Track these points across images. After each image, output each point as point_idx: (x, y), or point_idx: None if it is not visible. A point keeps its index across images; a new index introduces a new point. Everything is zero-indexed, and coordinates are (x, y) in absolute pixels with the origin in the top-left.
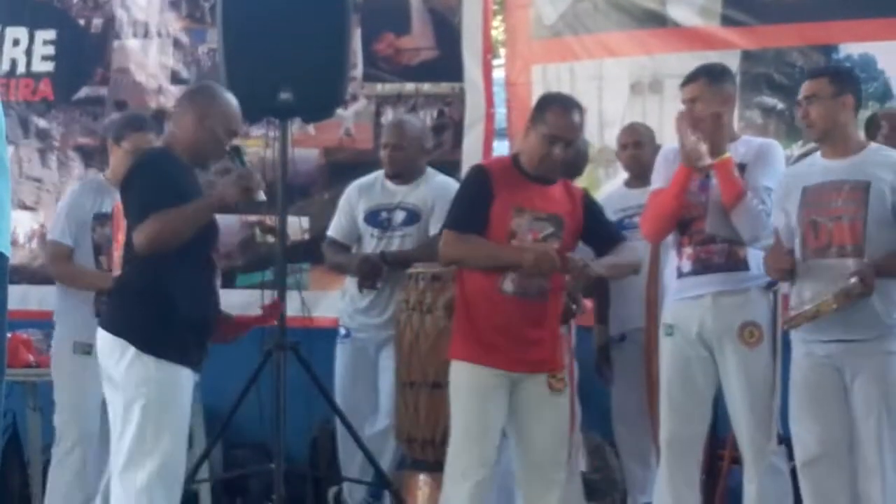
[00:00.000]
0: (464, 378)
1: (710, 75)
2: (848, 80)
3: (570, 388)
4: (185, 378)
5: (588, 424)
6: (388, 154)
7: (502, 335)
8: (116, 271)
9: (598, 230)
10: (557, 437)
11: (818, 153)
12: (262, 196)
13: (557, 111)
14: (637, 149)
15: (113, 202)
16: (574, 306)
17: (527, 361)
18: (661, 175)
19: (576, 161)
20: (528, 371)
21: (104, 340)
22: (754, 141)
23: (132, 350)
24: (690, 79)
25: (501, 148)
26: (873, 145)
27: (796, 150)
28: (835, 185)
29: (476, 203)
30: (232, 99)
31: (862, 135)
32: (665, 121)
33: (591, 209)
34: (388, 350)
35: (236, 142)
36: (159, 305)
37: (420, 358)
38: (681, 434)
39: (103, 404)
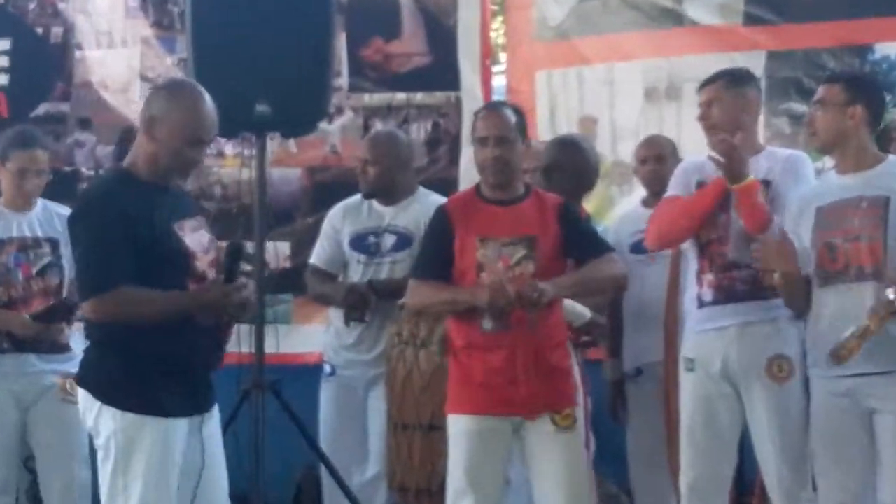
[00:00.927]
0: (460, 431)
1: (731, 78)
2: (863, 88)
3: (585, 423)
4: (157, 429)
5: (602, 470)
6: (360, 171)
7: (492, 377)
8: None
9: (576, 241)
10: (573, 475)
11: (831, 172)
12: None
13: (481, 114)
14: (658, 164)
15: (8, 227)
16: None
17: (524, 403)
18: (680, 184)
19: (584, 174)
20: (527, 413)
21: (80, 394)
22: (780, 153)
23: (97, 404)
24: (708, 81)
25: None
26: (892, 157)
27: (829, 161)
28: (850, 202)
29: (436, 245)
30: (197, 97)
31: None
32: (684, 130)
33: (566, 219)
34: (378, 389)
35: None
36: (120, 354)
37: (414, 397)
38: (704, 478)
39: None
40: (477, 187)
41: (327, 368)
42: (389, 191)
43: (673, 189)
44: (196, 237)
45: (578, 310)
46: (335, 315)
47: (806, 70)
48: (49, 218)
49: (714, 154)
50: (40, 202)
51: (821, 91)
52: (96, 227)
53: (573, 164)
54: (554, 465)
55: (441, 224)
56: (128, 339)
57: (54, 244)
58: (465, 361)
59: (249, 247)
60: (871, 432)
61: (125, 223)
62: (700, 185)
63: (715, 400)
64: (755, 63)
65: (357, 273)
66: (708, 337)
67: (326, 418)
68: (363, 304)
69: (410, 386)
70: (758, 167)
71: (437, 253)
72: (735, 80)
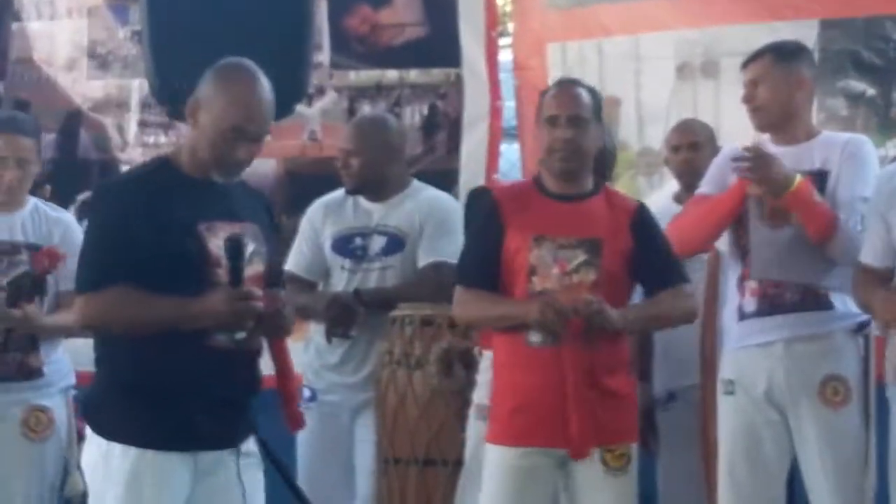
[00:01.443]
0: (496, 463)
1: (780, 53)
2: None
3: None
4: (129, 461)
5: None
6: (342, 163)
7: (539, 401)
8: None
9: (649, 262)
10: None
11: None
12: (242, 334)
13: (553, 91)
14: (693, 152)
15: None
16: None
17: (572, 435)
18: (714, 179)
19: (597, 163)
20: (575, 447)
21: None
22: (837, 138)
23: (88, 430)
24: (754, 56)
25: (511, 152)
26: None
27: (892, 148)
28: None
29: (483, 243)
30: (248, 83)
31: None
32: (723, 113)
33: (641, 230)
34: (366, 417)
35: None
36: (106, 376)
37: (408, 427)
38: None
39: None
40: (535, 178)
41: (307, 393)
42: (377, 185)
43: (707, 184)
44: None
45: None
46: (316, 331)
47: (866, 42)
48: (37, 222)
49: (742, 166)
50: (32, 202)
51: None
52: (102, 218)
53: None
54: None
55: (490, 218)
56: (120, 358)
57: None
58: (507, 380)
59: None
60: None
61: (137, 217)
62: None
63: (759, 428)
64: (806, 34)
65: (341, 281)
66: (750, 354)
67: (306, 451)
68: (348, 317)
69: (404, 413)
70: (811, 156)
71: (484, 253)
72: (785, 54)
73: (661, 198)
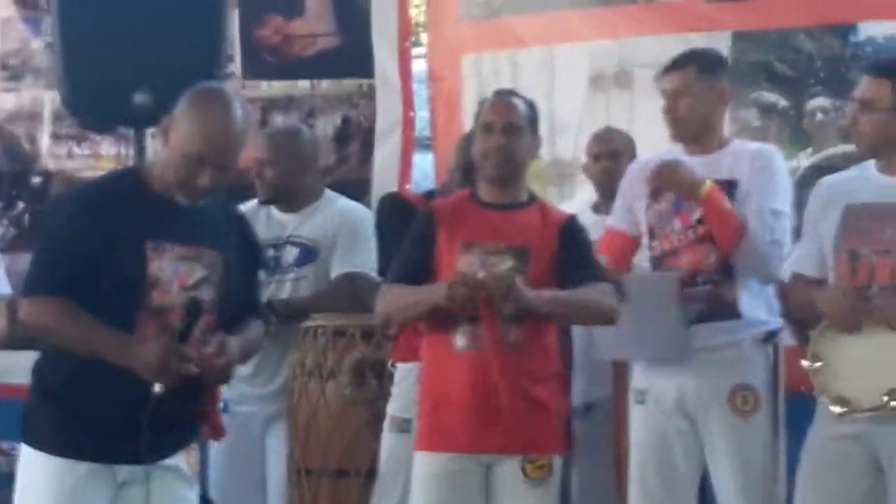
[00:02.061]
0: (424, 470)
1: (703, 65)
2: None
3: None
4: (48, 469)
5: None
6: (256, 173)
7: (463, 406)
8: None
9: (573, 261)
10: None
11: (871, 163)
12: (160, 387)
13: (491, 100)
14: (612, 160)
15: None
16: None
17: (495, 439)
18: (628, 193)
19: None
20: (498, 451)
21: None
22: (746, 147)
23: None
24: (676, 65)
25: (424, 162)
26: None
27: (804, 159)
28: (888, 209)
29: (414, 248)
30: (218, 109)
31: None
32: (636, 124)
33: (570, 237)
34: (278, 428)
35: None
36: (36, 385)
37: (320, 438)
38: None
39: None
40: (471, 190)
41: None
42: (291, 196)
43: (621, 197)
44: (175, 267)
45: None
46: None
47: (779, 53)
48: None
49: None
50: None
51: (864, 88)
52: (55, 224)
53: None
54: None
55: (424, 225)
56: (48, 368)
57: None
58: (433, 386)
59: None
60: (881, 482)
61: (86, 226)
62: (654, 193)
63: (670, 437)
64: (719, 45)
65: None
66: (661, 364)
67: (216, 463)
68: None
69: (316, 424)
70: (721, 165)
71: (414, 256)
72: (707, 66)
73: (577, 208)
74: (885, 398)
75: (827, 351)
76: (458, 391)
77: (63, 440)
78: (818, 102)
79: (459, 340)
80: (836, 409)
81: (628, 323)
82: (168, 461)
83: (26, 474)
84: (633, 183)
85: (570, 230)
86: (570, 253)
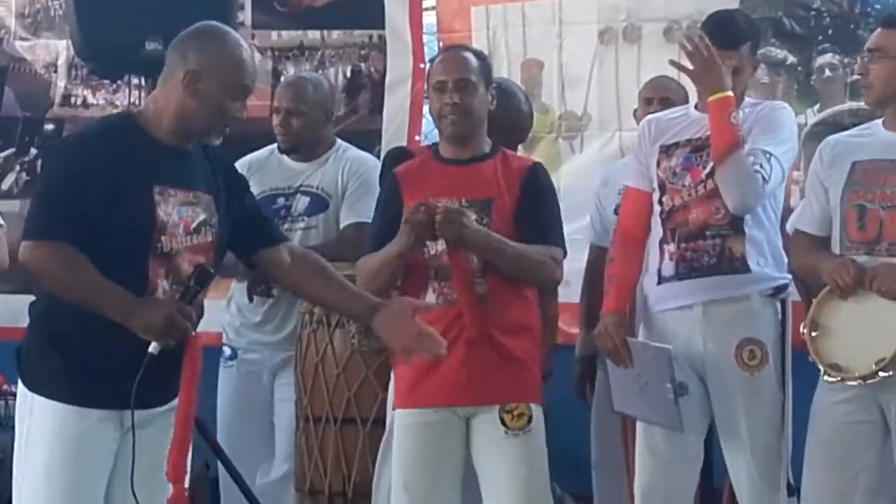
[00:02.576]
0: (404, 425)
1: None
2: None
3: None
4: (50, 414)
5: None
6: (281, 122)
7: (437, 362)
8: None
9: (528, 217)
10: (523, 489)
11: (878, 121)
12: (153, 347)
13: (440, 57)
14: (664, 107)
15: None
16: None
17: (471, 390)
18: (641, 151)
19: (514, 126)
20: (474, 403)
21: None
22: (759, 104)
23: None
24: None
25: None
26: None
27: (811, 116)
28: (895, 164)
29: (385, 216)
30: (236, 43)
31: None
32: (644, 79)
33: (530, 188)
34: (286, 375)
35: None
36: (36, 329)
37: (326, 386)
38: (662, 483)
39: None
40: (434, 148)
41: (227, 351)
42: (312, 145)
43: (635, 156)
44: (181, 211)
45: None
46: (237, 289)
47: (787, 9)
48: None
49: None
50: None
51: (876, 38)
52: (58, 168)
53: (499, 115)
54: (502, 476)
55: (390, 192)
56: (49, 312)
57: None
58: None
59: None
60: (889, 438)
61: (92, 171)
62: (665, 149)
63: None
64: (729, 1)
65: None
66: (668, 318)
67: (225, 409)
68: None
69: (322, 373)
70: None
71: (385, 226)
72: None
73: (582, 160)
74: (874, 367)
75: (826, 319)
76: None
77: (71, 387)
78: (826, 59)
79: (430, 298)
80: (829, 378)
81: (632, 383)
82: (167, 406)
83: (32, 420)
84: (645, 140)
85: (532, 180)
86: (528, 206)
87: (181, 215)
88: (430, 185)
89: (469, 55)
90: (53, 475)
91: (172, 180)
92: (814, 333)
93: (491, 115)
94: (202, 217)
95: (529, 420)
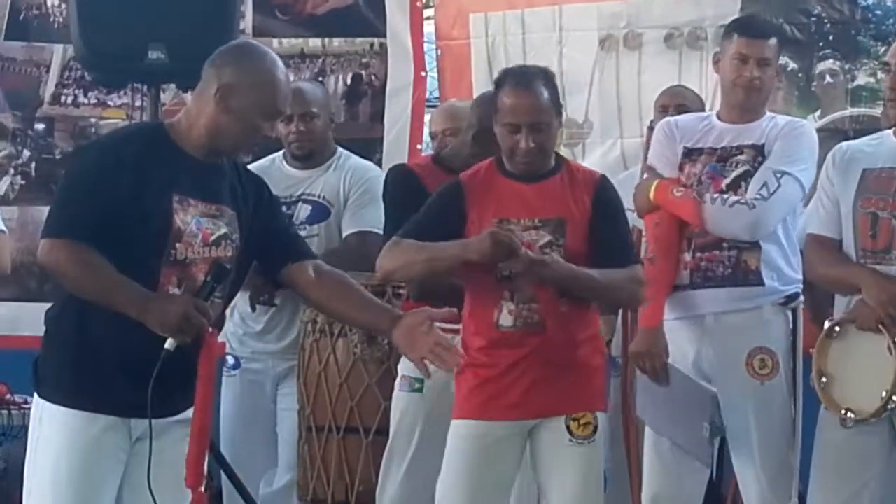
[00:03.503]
0: (460, 437)
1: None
2: None
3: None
4: (60, 422)
5: None
6: (294, 128)
7: (507, 381)
8: None
9: (602, 236)
10: (584, 499)
11: (889, 130)
12: (173, 343)
13: (510, 90)
14: (679, 114)
15: None
16: None
17: (537, 404)
18: (662, 154)
19: None
20: (540, 416)
21: None
22: (779, 120)
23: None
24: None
25: None
26: None
27: (813, 122)
28: None
29: (439, 215)
30: (273, 65)
31: None
32: (645, 85)
33: (601, 201)
34: (289, 385)
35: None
36: (49, 337)
37: (329, 395)
38: (670, 491)
39: None
40: (497, 159)
41: (230, 360)
42: (323, 150)
43: (656, 157)
44: (200, 222)
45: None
46: (240, 298)
47: (788, 16)
48: None
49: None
50: None
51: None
52: (82, 169)
53: None
54: (566, 485)
55: (451, 197)
56: (62, 319)
57: None
58: (472, 358)
59: None
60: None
61: (115, 174)
62: (688, 153)
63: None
64: (730, 7)
65: None
66: (680, 326)
67: (228, 418)
68: (272, 285)
69: (325, 382)
70: (752, 133)
71: (435, 223)
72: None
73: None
74: (881, 400)
75: (828, 367)
76: (498, 363)
77: (80, 393)
78: (827, 65)
79: (505, 319)
80: (846, 423)
81: (663, 402)
82: (179, 416)
83: (42, 428)
84: (669, 139)
85: (602, 194)
86: (601, 225)
87: (200, 226)
88: (500, 202)
89: (539, 88)
90: (61, 483)
91: (195, 191)
92: (823, 381)
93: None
94: (223, 230)
95: (595, 429)
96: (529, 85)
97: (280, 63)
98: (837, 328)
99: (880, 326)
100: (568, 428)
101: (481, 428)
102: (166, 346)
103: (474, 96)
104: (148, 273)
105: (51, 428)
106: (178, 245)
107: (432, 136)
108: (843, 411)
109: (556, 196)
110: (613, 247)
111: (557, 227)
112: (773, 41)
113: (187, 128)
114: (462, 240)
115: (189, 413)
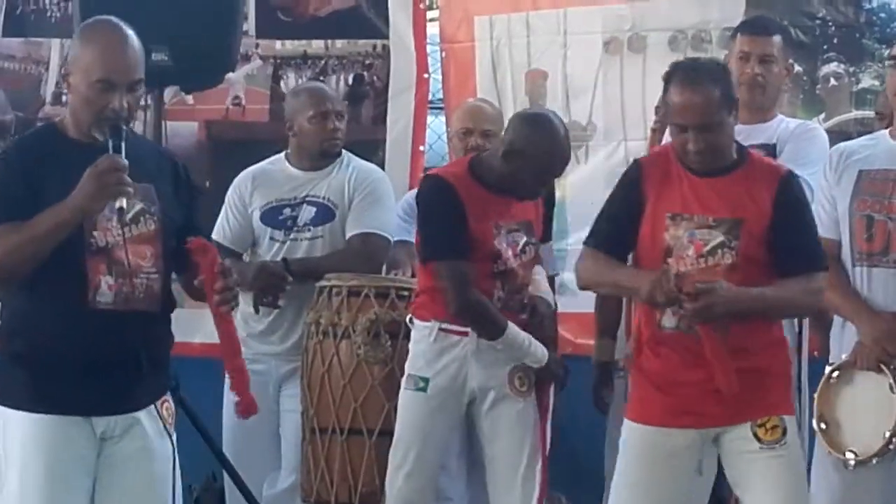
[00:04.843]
0: (638, 441)
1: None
2: None
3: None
4: (22, 426)
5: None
6: (333, 126)
7: (676, 383)
8: None
9: (787, 241)
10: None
11: (885, 131)
12: (122, 202)
13: (676, 88)
14: None
15: None
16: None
17: (718, 412)
18: None
19: (554, 162)
20: (725, 423)
21: None
22: (790, 123)
23: None
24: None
25: (437, 124)
26: None
27: (818, 124)
28: None
29: (620, 211)
30: (108, 34)
31: None
32: (649, 89)
33: (785, 202)
34: (292, 386)
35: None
36: (2, 345)
37: (332, 397)
38: None
39: None
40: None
41: None
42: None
43: None
44: (111, 205)
45: (536, 352)
46: (243, 299)
47: (793, 18)
48: None
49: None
50: None
51: None
52: None
53: (542, 150)
54: (764, 494)
55: (631, 189)
56: (11, 325)
57: None
58: (645, 361)
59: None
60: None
61: (23, 174)
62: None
63: None
64: (734, 10)
65: (270, 251)
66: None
67: (231, 421)
68: (276, 286)
69: (329, 383)
70: (763, 133)
71: (620, 221)
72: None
73: (588, 169)
74: (883, 440)
75: (830, 412)
76: (669, 368)
77: (36, 395)
78: (831, 68)
79: (667, 320)
80: (849, 465)
81: None
82: (143, 412)
83: (6, 436)
84: None
85: (785, 194)
86: (782, 228)
87: (112, 208)
88: (675, 196)
89: (708, 86)
90: (28, 485)
91: None
92: (823, 426)
93: (528, 151)
94: (139, 206)
95: (784, 432)
96: (697, 83)
97: (119, 32)
98: (836, 373)
99: (881, 365)
100: (755, 435)
101: (659, 436)
102: (117, 205)
103: (479, 96)
104: (73, 266)
105: (13, 434)
106: (95, 233)
107: (456, 135)
108: (844, 453)
109: (734, 194)
110: (794, 253)
111: (732, 227)
112: (776, 38)
113: (68, 117)
114: (637, 273)
115: (150, 409)
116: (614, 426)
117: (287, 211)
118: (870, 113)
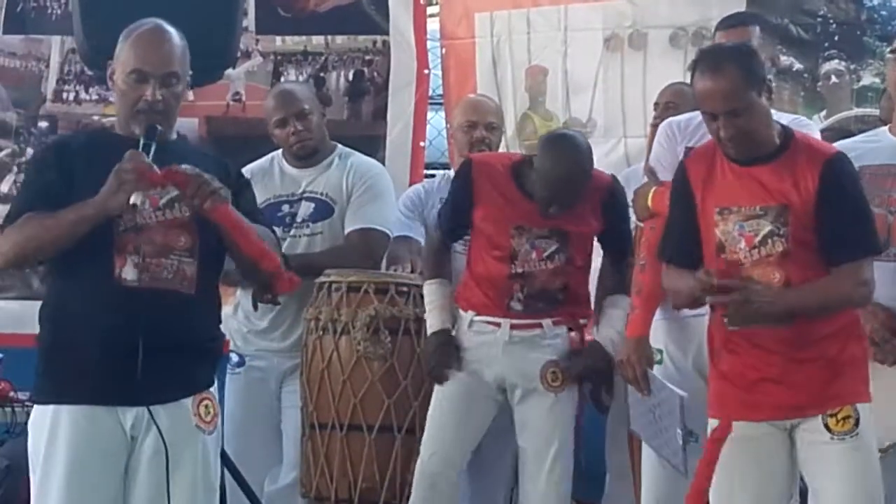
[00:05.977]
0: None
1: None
2: None
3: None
4: (49, 419)
5: None
6: (294, 129)
7: (749, 375)
8: None
9: (835, 227)
10: (859, 497)
11: (885, 128)
12: (133, 198)
13: (699, 75)
14: (673, 112)
15: None
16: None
17: (793, 403)
18: (666, 152)
19: (576, 185)
20: (798, 416)
21: None
22: (783, 118)
23: None
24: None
25: (437, 120)
26: None
27: (818, 122)
28: None
29: (680, 217)
30: (143, 29)
31: None
32: (650, 85)
33: (826, 189)
34: (293, 382)
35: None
36: (38, 341)
37: (332, 393)
38: (671, 492)
39: None
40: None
41: (234, 358)
42: (320, 147)
43: (657, 159)
44: (145, 194)
45: (432, 324)
46: (243, 296)
47: (793, 16)
48: None
49: None
50: None
51: None
52: (30, 171)
53: (546, 169)
54: (836, 485)
55: (681, 193)
56: (41, 319)
57: None
58: (723, 360)
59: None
60: None
61: (43, 182)
62: (689, 152)
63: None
64: (735, 7)
65: None
66: (681, 325)
67: (233, 415)
68: None
69: (328, 379)
70: None
71: (681, 227)
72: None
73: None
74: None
75: None
76: (740, 364)
77: (61, 387)
78: (832, 66)
79: (728, 321)
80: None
81: (647, 411)
82: (174, 405)
83: (35, 430)
84: (667, 146)
85: (830, 178)
86: (828, 213)
87: (147, 195)
88: (720, 189)
89: (731, 71)
90: (52, 477)
91: None
92: None
93: (551, 175)
94: (173, 193)
95: (857, 422)
96: (718, 68)
97: (159, 29)
98: None
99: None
100: (826, 426)
101: (737, 427)
102: (132, 201)
103: (479, 92)
104: (103, 246)
105: (41, 428)
106: (125, 216)
107: (459, 129)
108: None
109: (778, 180)
110: (837, 240)
111: (779, 214)
112: (752, 28)
113: (117, 116)
114: (688, 279)
115: (185, 403)
116: (613, 421)
117: (286, 207)
118: (871, 110)
